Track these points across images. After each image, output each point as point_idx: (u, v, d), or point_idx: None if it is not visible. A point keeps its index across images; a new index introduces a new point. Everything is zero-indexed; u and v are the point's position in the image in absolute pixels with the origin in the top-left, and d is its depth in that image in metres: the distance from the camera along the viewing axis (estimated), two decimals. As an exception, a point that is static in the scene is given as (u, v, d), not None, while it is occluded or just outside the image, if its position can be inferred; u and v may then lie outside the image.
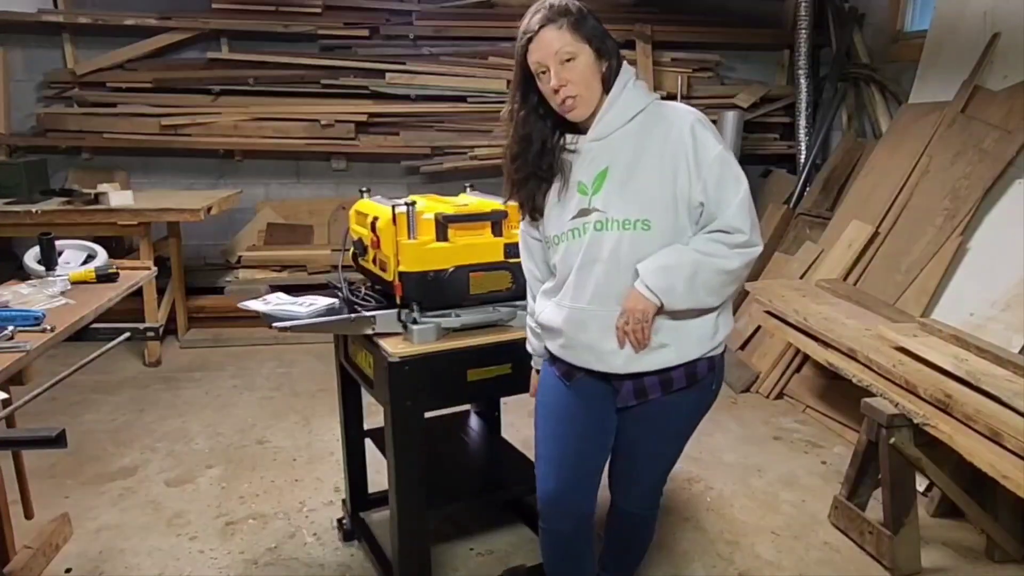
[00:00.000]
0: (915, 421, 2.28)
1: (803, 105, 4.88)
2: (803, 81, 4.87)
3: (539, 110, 1.60)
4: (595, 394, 1.68)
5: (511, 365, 1.96)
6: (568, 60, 1.50)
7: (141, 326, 2.23)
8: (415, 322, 1.93)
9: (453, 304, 1.98)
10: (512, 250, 1.97)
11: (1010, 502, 2.29)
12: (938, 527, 2.58)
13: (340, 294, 2.10)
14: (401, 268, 1.94)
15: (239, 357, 4.23)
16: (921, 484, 2.54)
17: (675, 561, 2.41)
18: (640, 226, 1.52)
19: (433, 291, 1.94)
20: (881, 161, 3.90)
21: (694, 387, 1.64)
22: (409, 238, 1.93)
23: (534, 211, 1.66)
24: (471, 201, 2.17)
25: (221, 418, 3.43)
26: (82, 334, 2.07)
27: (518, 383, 1.95)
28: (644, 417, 1.67)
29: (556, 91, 1.52)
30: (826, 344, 2.86)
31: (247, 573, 2.33)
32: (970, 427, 2.14)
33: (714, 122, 5.28)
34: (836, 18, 4.87)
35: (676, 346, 1.58)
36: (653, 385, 1.62)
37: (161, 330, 2.55)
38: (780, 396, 3.73)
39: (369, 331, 1.96)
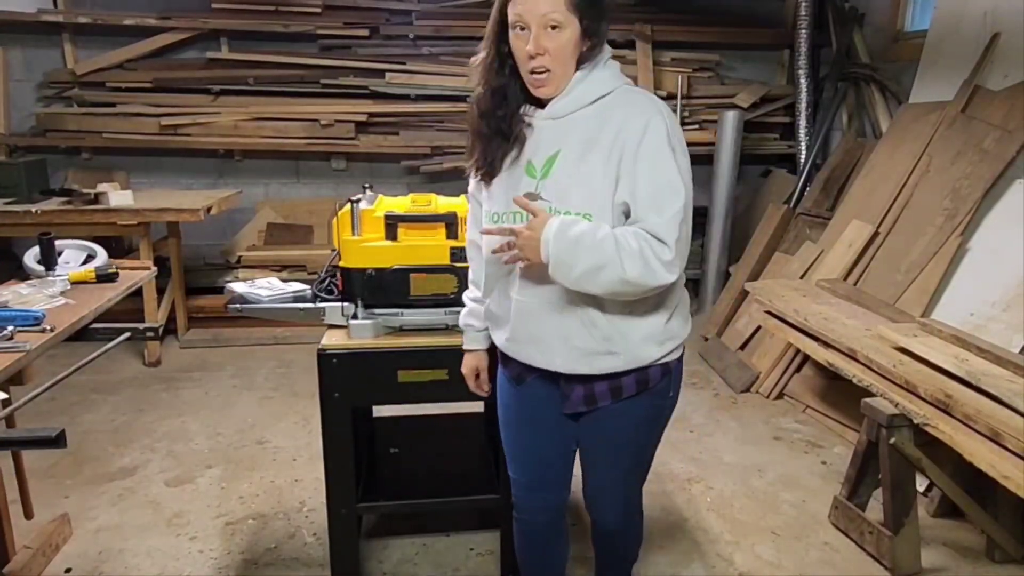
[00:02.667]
0: (915, 421, 2.28)
1: (803, 105, 4.89)
2: (803, 81, 4.88)
3: (510, 62, 1.48)
4: (544, 397, 1.65)
5: (447, 371, 1.94)
6: (553, 28, 1.39)
7: (141, 326, 2.24)
8: (355, 317, 1.98)
9: (395, 303, 1.99)
10: (459, 254, 1.95)
11: (1010, 502, 2.30)
12: (938, 527, 2.58)
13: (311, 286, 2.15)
14: (342, 264, 2.00)
15: (239, 357, 4.23)
16: (921, 484, 2.54)
17: (675, 561, 2.41)
18: (582, 220, 1.42)
19: (373, 289, 1.97)
20: (881, 161, 3.90)
21: (645, 394, 1.57)
22: (352, 235, 1.96)
23: (489, 173, 1.55)
24: (445, 203, 2.12)
25: (221, 418, 3.43)
26: (82, 334, 2.07)
27: (455, 390, 1.93)
28: (596, 425, 1.62)
29: (532, 57, 1.41)
30: (826, 344, 2.86)
31: (247, 573, 2.33)
32: (970, 427, 2.14)
33: (714, 122, 5.25)
34: (836, 18, 4.87)
35: (624, 354, 1.51)
36: (603, 392, 1.56)
37: (161, 330, 2.55)
38: (780, 396, 3.73)
39: (321, 322, 2.03)
